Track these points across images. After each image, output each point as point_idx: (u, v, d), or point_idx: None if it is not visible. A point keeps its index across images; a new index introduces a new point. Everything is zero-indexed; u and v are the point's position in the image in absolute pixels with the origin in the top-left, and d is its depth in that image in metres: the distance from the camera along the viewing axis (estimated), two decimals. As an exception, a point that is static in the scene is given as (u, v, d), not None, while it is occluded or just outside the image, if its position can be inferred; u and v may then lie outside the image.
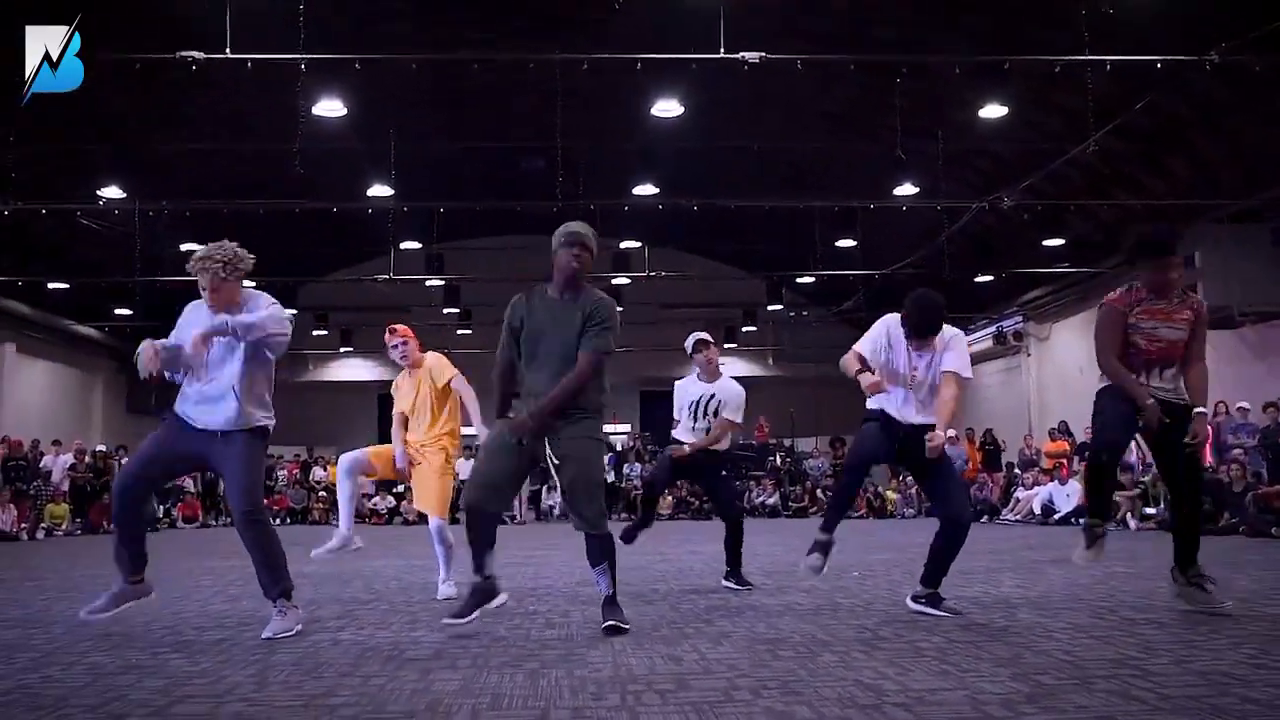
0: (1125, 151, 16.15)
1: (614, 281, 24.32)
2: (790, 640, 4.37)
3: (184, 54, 11.59)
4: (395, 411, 6.54)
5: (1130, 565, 7.71)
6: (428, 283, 23.89)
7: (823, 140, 19.05)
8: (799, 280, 25.99)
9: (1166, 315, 4.94)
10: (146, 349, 4.67)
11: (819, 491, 21.86)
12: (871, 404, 5.24)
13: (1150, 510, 13.72)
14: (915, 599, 5.18)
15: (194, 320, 4.88)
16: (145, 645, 4.52)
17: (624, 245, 23.82)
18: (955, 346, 5.15)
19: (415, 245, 23.15)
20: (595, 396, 4.77)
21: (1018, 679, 3.45)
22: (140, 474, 4.94)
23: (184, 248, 21.70)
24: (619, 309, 18.77)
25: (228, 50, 11.72)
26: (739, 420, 6.77)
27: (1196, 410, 5.00)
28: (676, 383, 6.87)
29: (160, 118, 17.88)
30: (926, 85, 16.12)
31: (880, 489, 21.47)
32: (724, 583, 6.62)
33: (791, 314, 27.57)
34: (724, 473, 7.13)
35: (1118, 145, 15.33)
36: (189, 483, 21.00)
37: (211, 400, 4.80)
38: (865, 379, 5.02)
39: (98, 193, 17.86)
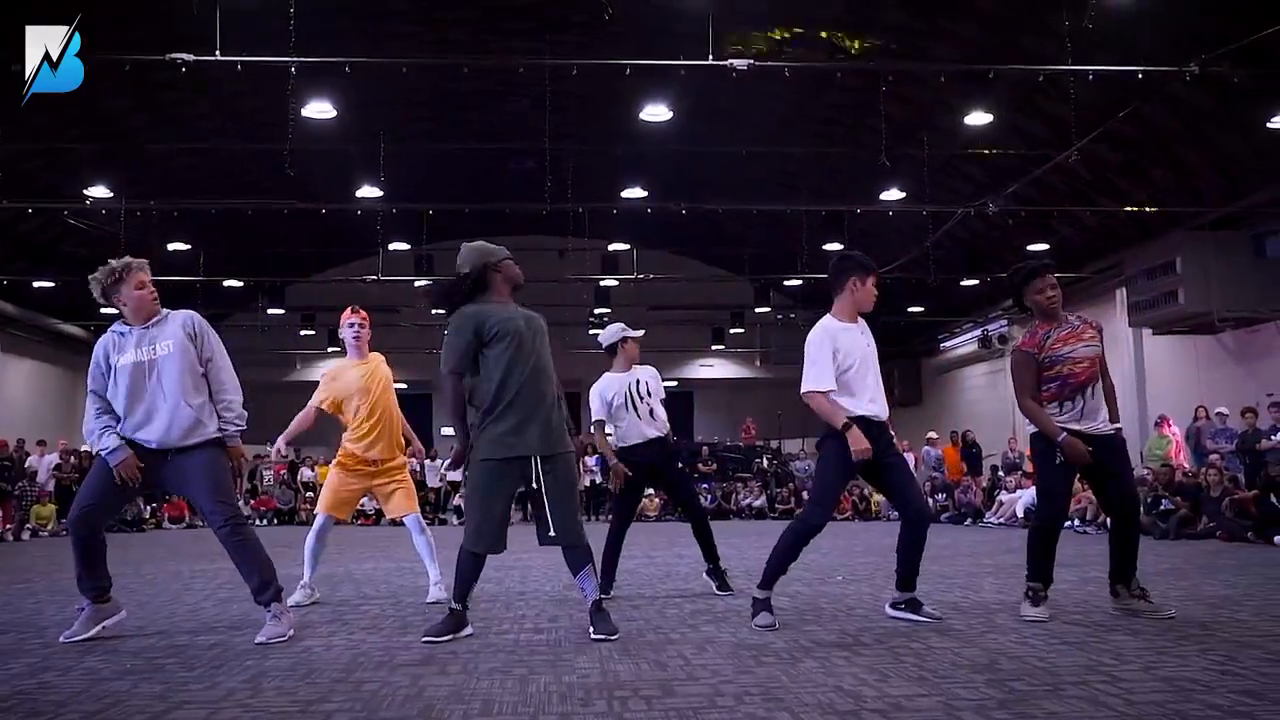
0: (1108, 159, 16.33)
1: (602, 283, 24.47)
2: (773, 646, 4.47)
3: (174, 56, 11.61)
4: (320, 402, 6.42)
5: (1105, 571, 7.82)
6: (416, 283, 23.96)
7: (810, 145, 19.18)
8: (786, 283, 26.12)
9: (1077, 337, 5.25)
10: (131, 467, 4.79)
11: (804, 493, 21.99)
12: (854, 411, 5.03)
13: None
14: (894, 606, 5.27)
15: (122, 348, 4.87)
16: (140, 650, 4.60)
17: (612, 247, 23.97)
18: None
19: (404, 246, 23.21)
20: None
21: (992, 685, 3.56)
22: (95, 503, 4.90)
23: (171, 247, 21.80)
24: (606, 310, 19.06)
25: (218, 52, 11.75)
26: None
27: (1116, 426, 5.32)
28: (595, 387, 6.60)
29: (149, 118, 17.90)
30: (913, 92, 16.28)
31: (865, 491, 21.58)
32: (706, 577, 6.67)
33: (779, 316, 27.71)
34: (680, 465, 7.08)
35: (1101, 153, 15.49)
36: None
37: (161, 418, 4.81)
38: (856, 443, 4.87)
39: (85, 192, 17.88)
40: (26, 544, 15.26)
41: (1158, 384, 18.52)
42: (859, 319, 5.26)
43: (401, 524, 6.59)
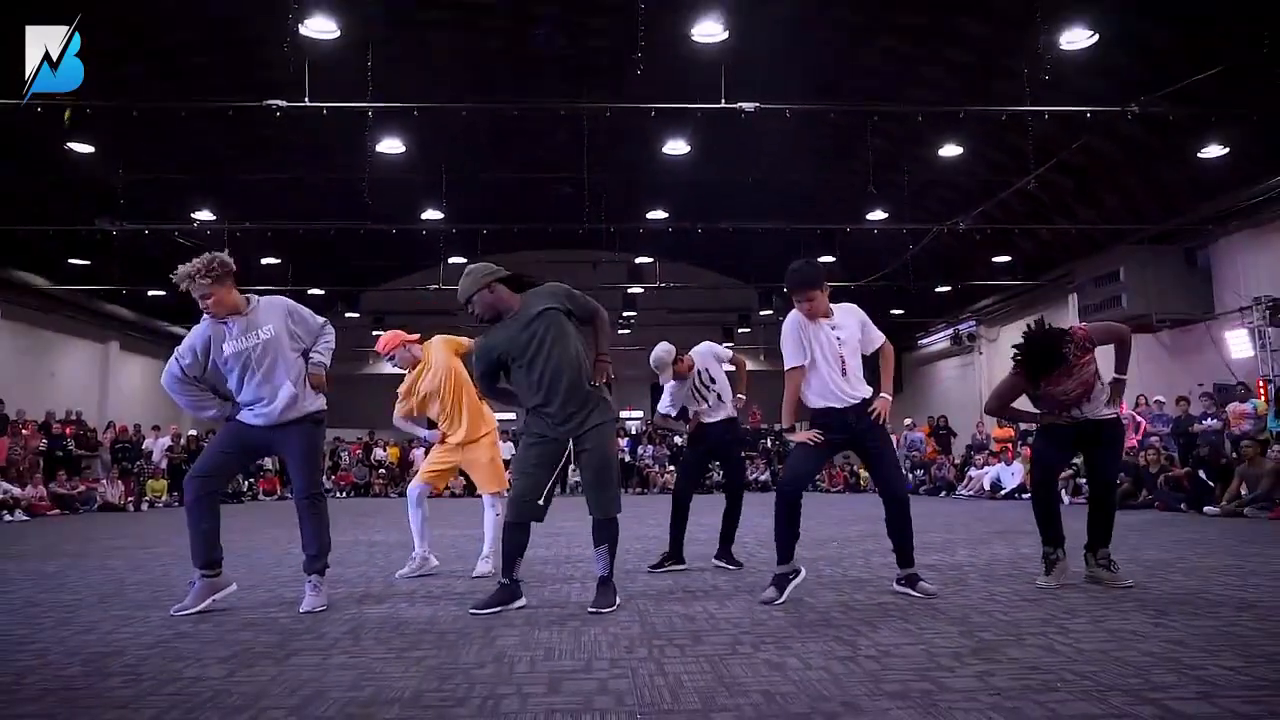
0: (1062, 184, 16.32)
1: (629, 290, 24.61)
2: (783, 604, 4.57)
3: (270, 102, 11.79)
4: (404, 414, 6.04)
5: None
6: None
7: (808, 174, 19.22)
8: (785, 290, 26.14)
9: (1068, 373, 4.87)
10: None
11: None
12: (815, 403, 4.77)
13: (1084, 481, 13.75)
14: (897, 582, 4.88)
15: (212, 339, 4.56)
16: (254, 605, 4.74)
17: (638, 261, 24.14)
18: (865, 317, 4.91)
19: (462, 260, 23.40)
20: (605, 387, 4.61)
21: (964, 635, 3.66)
22: (210, 472, 4.62)
23: (264, 261, 22.08)
24: (633, 313, 19.03)
25: (306, 99, 11.93)
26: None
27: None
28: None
29: (247, 154, 18.14)
30: (894, 128, 16.29)
31: (856, 467, 21.61)
32: (715, 562, 6.23)
33: (780, 318, 27.73)
34: (740, 453, 6.61)
35: (1056, 179, 15.49)
36: (268, 461, 21.32)
37: (267, 399, 4.57)
38: (800, 437, 4.75)
39: (192, 215, 18.19)
40: (144, 514, 15.54)
41: (1105, 377, 18.47)
42: (824, 318, 4.82)
43: (469, 494, 6.45)
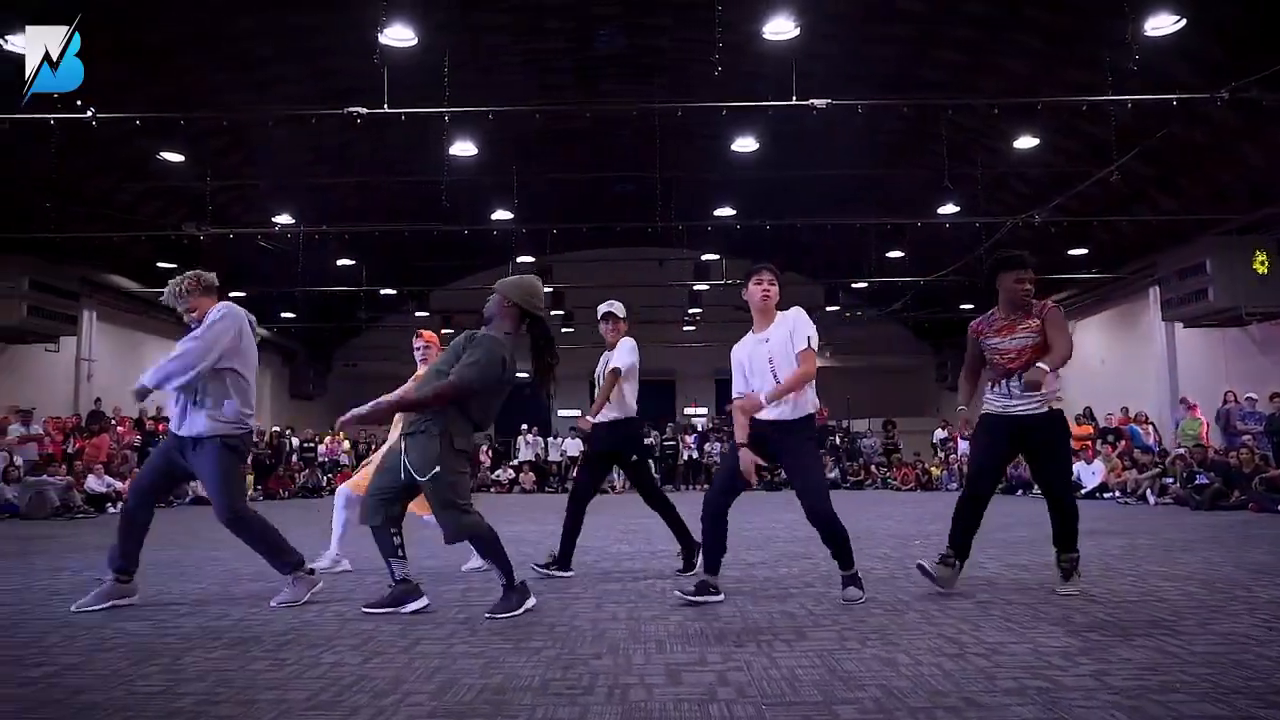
0: (1144, 174, 15.94)
1: (695, 288, 24.69)
2: (877, 600, 4.63)
3: (350, 109, 12.11)
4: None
5: (1152, 538, 7.79)
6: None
7: (877, 168, 19.09)
8: (854, 285, 26.03)
9: (1010, 329, 4.80)
10: None
11: (872, 466, 21.95)
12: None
13: (1170, 481, 13.41)
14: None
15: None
16: (322, 600, 4.83)
17: (705, 257, 24.23)
18: (796, 323, 4.61)
19: (529, 259, 23.73)
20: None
21: (1071, 635, 3.68)
22: (149, 486, 4.77)
23: (340, 262, 22.66)
24: (698, 310, 19.02)
25: (385, 105, 12.21)
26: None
27: (1037, 365, 4.55)
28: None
29: (325, 159, 18.64)
30: (968, 120, 16.10)
31: (926, 465, 21.42)
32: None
33: (846, 314, 27.63)
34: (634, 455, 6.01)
35: (1136, 168, 15.13)
36: (344, 458, 21.90)
37: (188, 409, 4.69)
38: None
39: (273, 220, 18.74)
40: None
41: (1187, 371, 18.04)
42: (768, 323, 4.69)
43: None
